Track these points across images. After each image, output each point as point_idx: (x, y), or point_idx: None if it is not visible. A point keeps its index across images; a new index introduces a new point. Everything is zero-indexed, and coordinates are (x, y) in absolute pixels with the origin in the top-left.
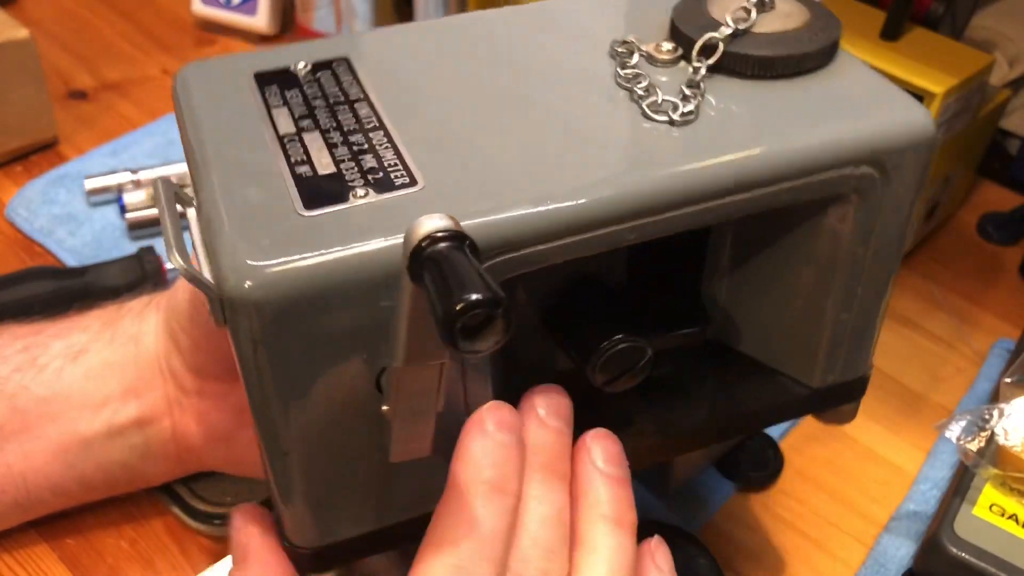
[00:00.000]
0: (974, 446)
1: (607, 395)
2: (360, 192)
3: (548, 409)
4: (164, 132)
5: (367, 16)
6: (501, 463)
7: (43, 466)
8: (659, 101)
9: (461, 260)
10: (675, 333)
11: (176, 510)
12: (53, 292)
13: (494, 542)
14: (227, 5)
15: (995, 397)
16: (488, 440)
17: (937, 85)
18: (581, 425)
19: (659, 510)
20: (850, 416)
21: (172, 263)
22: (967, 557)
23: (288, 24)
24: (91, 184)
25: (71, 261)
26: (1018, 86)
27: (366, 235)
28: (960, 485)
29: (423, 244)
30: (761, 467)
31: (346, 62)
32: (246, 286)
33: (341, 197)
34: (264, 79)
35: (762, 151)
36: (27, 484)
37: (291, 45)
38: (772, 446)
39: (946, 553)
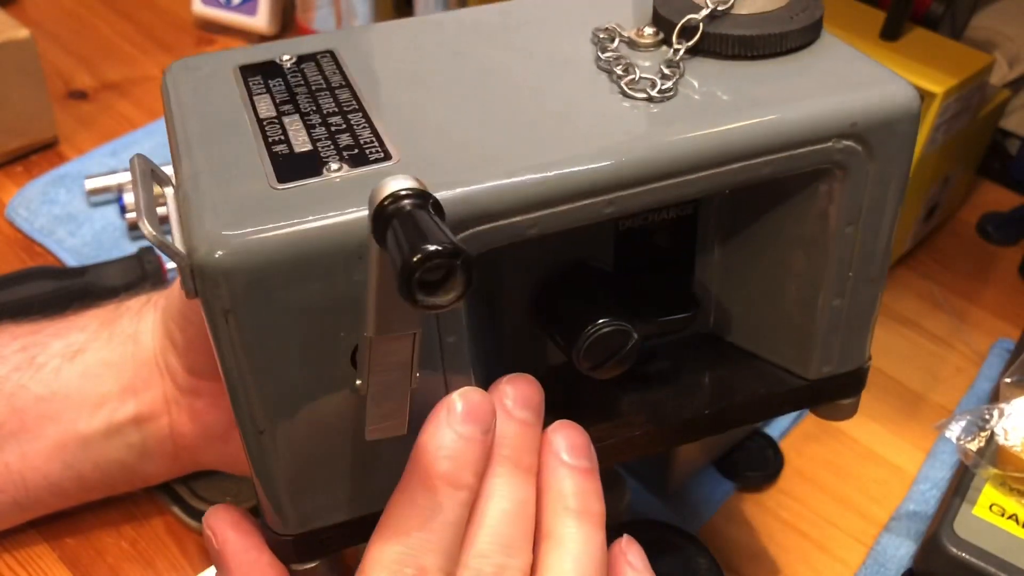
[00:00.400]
0: (974, 446)
1: (599, 386)
2: (334, 166)
3: (516, 399)
4: (164, 132)
5: (367, 16)
6: (459, 456)
7: (42, 465)
8: (637, 79)
9: (423, 217)
10: (664, 319)
11: (176, 510)
12: (53, 292)
13: (443, 534)
14: (227, 5)
15: (995, 397)
16: (450, 431)
17: (937, 85)
18: (573, 417)
19: (659, 510)
20: (849, 412)
21: (142, 229)
22: (967, 557)
23: (288, 24)
24: (91, 184)
25: (71, 261)
26: (1018, 86)
27: (337, 206)
28: (960, 485)
29: (386, 203)
30: (761, 467)
31: (331, 54)
32: (216, 255)
33: (315, 171)
34: (248, 70)
35: (741, 124)
36: (26, 483)
37: (279, 42)
38: (772, 446)
39: (946, 553)
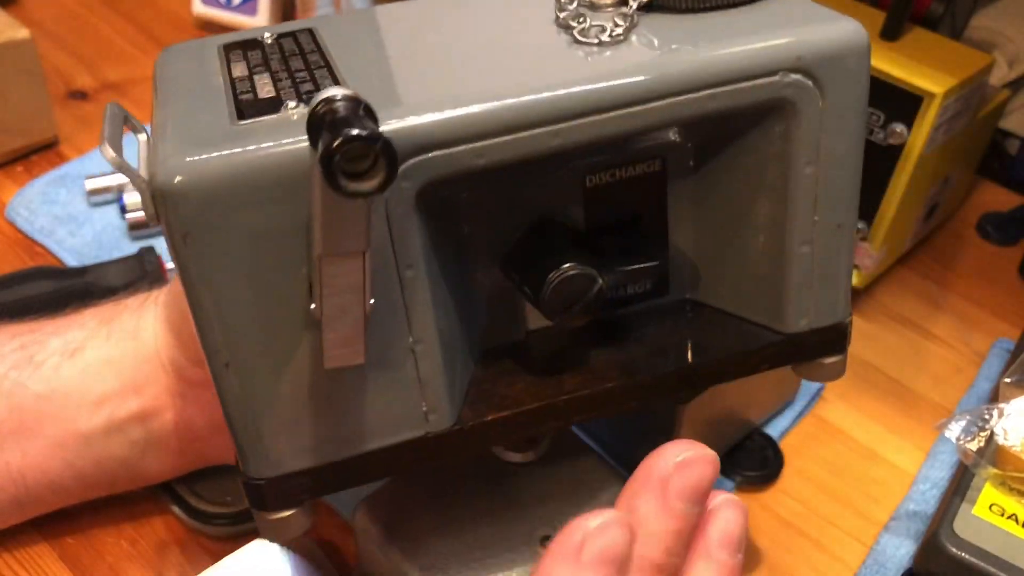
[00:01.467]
0: (974, 446)
1: (577, 347)
2: (292, 105)
3: (680, 487)
4: None
5: None
6: None
7: (42, 463)
8: (588, 27)
9: (350, 114)
10: (629, 268)
11: (177, 510)
12: (54, 292)
13: None
14: (227, 5)
15: (995, 397)
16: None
17: (937, 85)
18: (549, 373)
19: None
20: (835, 373)
21: (103, 154)
22: (967, 557)
23: None
24: (91, 184)
25: (71, 261)
26: (1018, 86)
27: (291, 134)
28: (960, 485)
29: (318, 108)
30: (761, 467)
31: (310, 32)
32: (175, 179)
33: (274, 111)
34: (231, 47)
35: (684, 58)
36: (26, 482)
37: (265, 27)
38: (772, 446)
39: (946, 553)
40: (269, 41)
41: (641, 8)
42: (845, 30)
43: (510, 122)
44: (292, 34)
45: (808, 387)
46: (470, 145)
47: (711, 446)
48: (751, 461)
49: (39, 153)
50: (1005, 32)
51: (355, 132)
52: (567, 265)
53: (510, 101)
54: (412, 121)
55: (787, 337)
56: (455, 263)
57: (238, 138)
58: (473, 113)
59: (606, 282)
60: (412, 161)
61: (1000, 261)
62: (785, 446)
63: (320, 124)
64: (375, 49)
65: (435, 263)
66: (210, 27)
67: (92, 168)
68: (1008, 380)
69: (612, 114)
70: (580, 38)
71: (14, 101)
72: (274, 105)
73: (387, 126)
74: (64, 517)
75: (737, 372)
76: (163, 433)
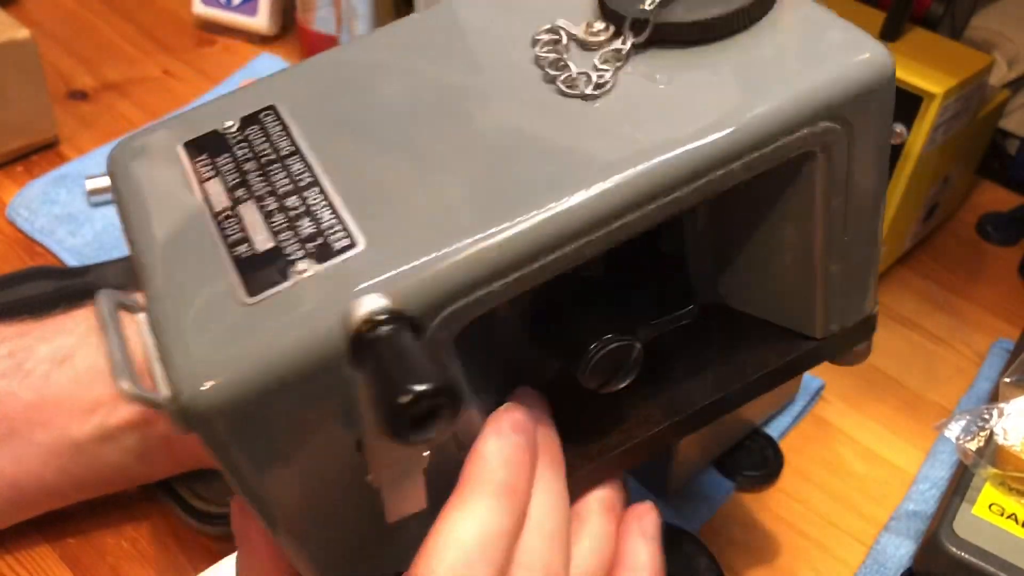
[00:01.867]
0: (973, 446)
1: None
2: (301, 266)
3: (534, 414)
4: None
5: (367, 16)
6: (515, 463)
7: (36, 469)
8: (599, 88)
9: (403, 346)
10: (664, 319)
11: (176, 510)
12: (54, 292)
13: (501, 541)
14: (227, 5)
15: (994, 397)
16: (503, 441)
17: (937, 85)
18: (591, 424)
19: (659, 510)
20: (864, 356)
21: (118, 388)
22: (966, 556)
23: (288, 24)
24: (92, 184)
25: (72, 261)
26: (1017, 86)
27: (312, 314)
28: (959, 485)
29: (362, 330)
30: (761, 467)
31: (273, 110)
32: (203, 399)
33: (283, 275)
34: (194, 147)
35: (723, 133)
36: (21, 487)
37: (217, 100)
38: (772, 446)
39: (945, 552)
40: (232, 132)
41: (637, 46)
42: (872, 61)
43: (546, 245)
44: (255, 119)
45: (808, 387)
46: (504, 280)
47: (711, 446)
48: (751, 461)
49: (39, 153)
50: (1005, 32)
51: (423, 388)
52: (606, 338)
53: (541, 219)
54: (440, 271)
55: (820, 341)
56: (482, 351)
57: (256, 331)
58: (503, 244)
59: (642, 340)
60: (447, 312)
61: (1000, 261)
62: (785, 446)
63: (363, 350)
64: (355, 140)
65: (470, 373)
66: (210, 27)
67: (92, 168)
68: (1008, 380)
69: (654, 205)
70: (566, 88)
71: (14, 101)
72: (280, 267)
73: (413, 280)
74: (65, 517)
75: (775, 383)
76: (157, 440)
